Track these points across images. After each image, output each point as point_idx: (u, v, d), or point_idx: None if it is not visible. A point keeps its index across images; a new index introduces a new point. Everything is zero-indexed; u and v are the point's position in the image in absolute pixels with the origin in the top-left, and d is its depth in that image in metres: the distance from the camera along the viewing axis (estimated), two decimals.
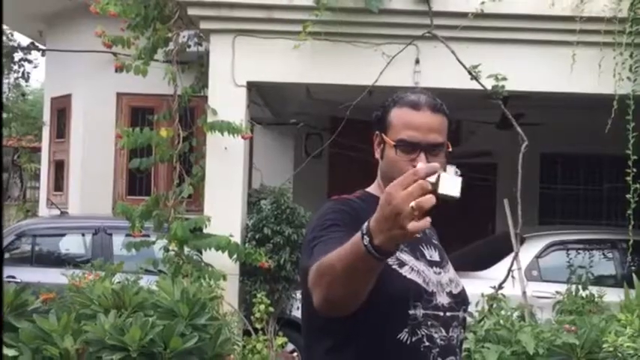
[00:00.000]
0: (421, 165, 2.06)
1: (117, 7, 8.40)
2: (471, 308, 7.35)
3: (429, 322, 2.50)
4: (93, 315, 6.19)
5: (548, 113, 11.72)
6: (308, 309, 2.42)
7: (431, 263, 2.60)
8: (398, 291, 2.37)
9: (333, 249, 2.25)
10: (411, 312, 2.46)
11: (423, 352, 2.48)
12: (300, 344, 6.69)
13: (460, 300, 2.64)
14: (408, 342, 2.46)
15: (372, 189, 2.73)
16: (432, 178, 1.99)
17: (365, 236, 2.03)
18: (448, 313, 2.56)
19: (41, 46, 15.40)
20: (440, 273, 2.63)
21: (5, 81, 17.96)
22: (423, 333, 2.48)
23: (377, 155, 2.68)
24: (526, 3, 8.56)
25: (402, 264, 2.49)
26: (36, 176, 15.04)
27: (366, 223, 2.06)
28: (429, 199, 1.93)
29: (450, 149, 2.62)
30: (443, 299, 2.56)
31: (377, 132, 2.67)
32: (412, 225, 1.93)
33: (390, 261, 2.43)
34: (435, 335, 2.50)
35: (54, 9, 12.93)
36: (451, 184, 2.06)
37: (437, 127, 2.58)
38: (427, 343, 2.48)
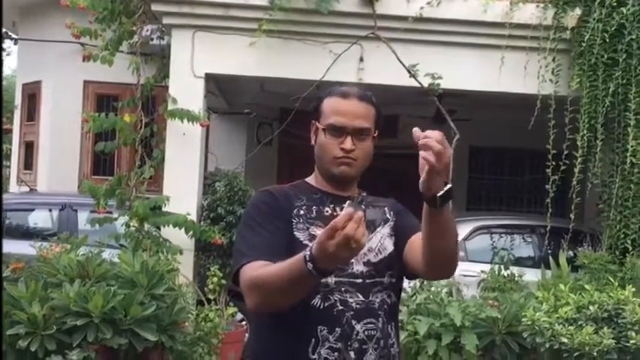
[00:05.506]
0: (347, 211, 2.05)
1: (86, 0, 8.31)
2: (404, 284, 7.42)
3: (343, 289, 2.54)
4: (59, 284, 6.14)
5: (478, 110, 11.80)
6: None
7: None
8: None
9: (261, 249, 2.44)
10: (322, 280, 2.46)
11: (336, 316, 2.51)
12: (248, 314, 6.70)
13: (382, 267, 2.65)
14: (321, 307, 2.51)
15: (310, 177, 2.79)
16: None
17: (309, 262, 2.13)
18: (367, 280, 2.59)
19: (14, 36, 15.14)
20: None
21: None
22: (336, 298, 2.52)
23: (312, 142, 2.73)
24: (461, 9, 8.62)
25: (313, 238, 2.45)
26: (7, 156, 14.84)
27: (308, 251, 2.14)
28: (360, 233, 2.02)
29: (375, 135, 2.67)
30: (359, 267, 2.59)
31: (313, 121, 2.72)
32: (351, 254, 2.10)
33: (302, 237, 2.55)
34: (350, 300, 2.53)
35: (27, 1, 12.74)
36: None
37: (363, 114, 2.63)
38: (340, 307, 2.52)
